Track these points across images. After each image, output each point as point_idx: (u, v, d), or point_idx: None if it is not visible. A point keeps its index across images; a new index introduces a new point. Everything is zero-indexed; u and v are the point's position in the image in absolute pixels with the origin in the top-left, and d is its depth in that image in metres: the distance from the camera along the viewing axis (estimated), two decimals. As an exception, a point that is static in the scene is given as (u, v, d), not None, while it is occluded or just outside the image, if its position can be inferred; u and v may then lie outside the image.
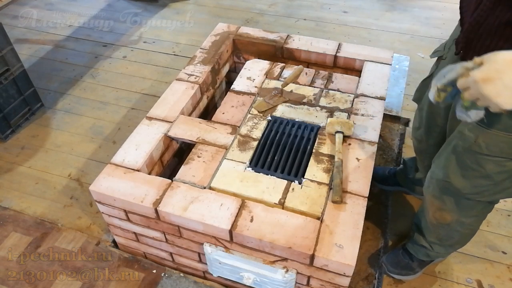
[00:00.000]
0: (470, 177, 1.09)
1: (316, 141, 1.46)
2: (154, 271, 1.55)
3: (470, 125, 1.00)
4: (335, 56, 1.85)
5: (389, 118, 2.14)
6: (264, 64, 1.83)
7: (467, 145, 1.04)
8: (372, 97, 1.63)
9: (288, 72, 1.77)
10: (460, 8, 1.04)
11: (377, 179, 1.80)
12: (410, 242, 1.49)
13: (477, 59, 0.78)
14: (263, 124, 1.53)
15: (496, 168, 1.03)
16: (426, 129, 1.39)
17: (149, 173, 1.44)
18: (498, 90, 0.73)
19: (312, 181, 1.32)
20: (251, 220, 1.20)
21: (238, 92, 1.69)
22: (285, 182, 1.32)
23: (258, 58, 1.92)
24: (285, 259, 1.21)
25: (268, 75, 1.77)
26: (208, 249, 1.31)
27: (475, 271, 1.55)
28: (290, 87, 1.68)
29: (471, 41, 0.93)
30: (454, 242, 1.36)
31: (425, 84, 1.35)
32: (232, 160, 1.40)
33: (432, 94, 0.91)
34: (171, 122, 1.54)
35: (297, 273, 1.24)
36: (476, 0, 0.91)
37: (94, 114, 2.28)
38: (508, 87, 0.72)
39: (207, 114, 1.87)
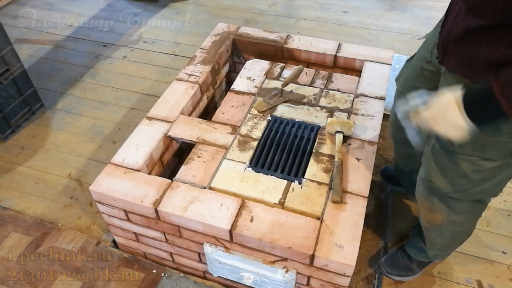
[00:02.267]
0: (448, 176, 1.11)
1: (316, 141, 1.46)
2: (154, 271, 1.55)
3: None
4: (335, 56, 1.85)
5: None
6: (264, 64, 1.83)
7: (443, 143, 1.07)
8: (372, 97, 1.63)
9: (288, 72, 1.77)
10: (446, 11, 1.06)
11: (385, 177, 1.82)
12: (408, 244, 1.49)
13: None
14: (263, 124, 1.53)
15: (471, 167, 1.05)
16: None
17: (149, 173, 1.44)
18: (445, 127, 0.87)
19: (312, 181, 1.32)
20: (251, 220, 1.20)
21: (238, 92, 1.69)
22: (285, 182, 1.32)
23: (258, 58, 1.92)
24: (285, 259, 1.21)
25: (268, 75, 1.77)
26: (208, 249, 1.31)
27: (475, 271, 1.55)
28: (290, 87, 1.68)
29: (447, 47, 0.97)
30: (448, 243, 1.35)
31: (407, 65, 1.35)
32: (232, 160, 1.40)
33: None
34: (171, 122, 1.54)
35: (297, 273, 1.24)
36: (455, 10, 0.96)
37: (94, 114, 2.28)
38: (452, 124, 0.85)
39: (207, 114, 1.87)
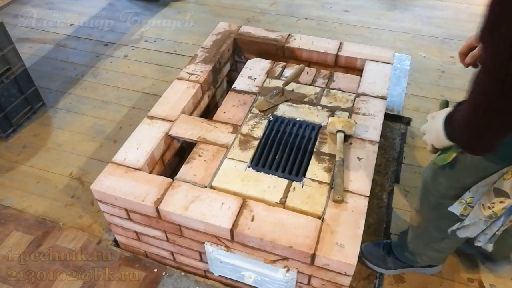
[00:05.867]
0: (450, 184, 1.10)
1: (317, 140, 1.46)
2: (155, 270, 1.55)
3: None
4: (336, 55, 1.85)
5: (390, 117, 2.13)
6: (265, 63, 1.83)
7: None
8: (373, 97, 1.63)
9: (289, 71, 1.77)
10: None
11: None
12: (396, 240, 1.52)
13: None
14: (264, 123, 1.53)
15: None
16: None
17: (150, 172, 1.44)
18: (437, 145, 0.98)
19: (313, 180, 1.32)
20: (252, 219, 1.20)
21: (239, 91, 1.69)
22: (286, 181, 1.32)
23: (259, 57, 1.92)
24: (286, 258, 1.21)
25: (269, 74, 1.77)
26: (209, 248, 1.31)
27: (476, 270, 1.55)
28: (291, 86, 1.68)
29: None
30: (420, 251, 1.37)
31: None
32: (233, 159, 1.40)
33: None
34: (172, 121, 1.54)
35: (298, 272, 1.24)
36: None
37: (95, 113, 2.28)
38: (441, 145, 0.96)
39: (208, 113, 1.87)
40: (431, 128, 0.96)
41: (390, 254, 1.50)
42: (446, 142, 0.91)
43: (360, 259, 1.52)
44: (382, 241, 1.57)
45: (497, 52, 0.65)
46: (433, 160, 1.03)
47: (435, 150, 1.00)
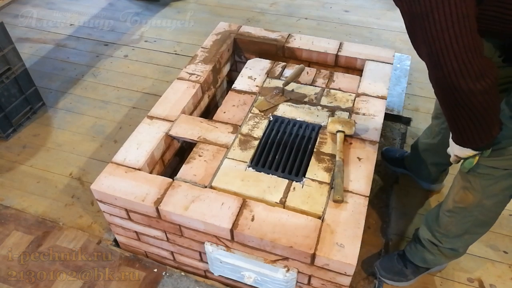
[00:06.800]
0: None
1: (317, 140, 1.46)
2: (155, 270, 1.55)
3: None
4: (336, 55, 1.85)
5: (390, 117, 2.13)
6: (265, 63, 1.83)
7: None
8: (373, 96, 1.63)
9: (289, 71, 1.77)
10: None
11: (387, 158, 1.91)
12: (411, 243, 1.47)
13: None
14: (264, 123, 1.53)
15: None
16: None
17: (150, 172, 1.44)
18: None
19: (313, 180, 1.32)
20: (252, 219, 1.20)
21: (239, 91, 1.69)
22: (286, 181, 1.32)
23: (259, 57, 1.92)
24: (286, 258, 1.21)
25: (269, 74, 1.77)
26: (209, 248, 1.31)
27: (476, 270, 1.55)
28: (291, 86, 1.68)
29: None
30: (462, 232, 1.30)
31: None
32: (233, 159, 1.40)
33: None
34: (172, 121, 1.54)
35: (298, 272, 1.24)
36: None
37: (95, 113, 2.28)
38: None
39: (208, 113, 1.87)
40: (451, 140, 1.09)
41: (407, 265, 1.48)
42: (463, 151, 1.04)
43: (379, 280, 1.51)
44: (392, 253, 1.54)
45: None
46: (461, 166, 1.13)
47: (458, 159, 1.12)
